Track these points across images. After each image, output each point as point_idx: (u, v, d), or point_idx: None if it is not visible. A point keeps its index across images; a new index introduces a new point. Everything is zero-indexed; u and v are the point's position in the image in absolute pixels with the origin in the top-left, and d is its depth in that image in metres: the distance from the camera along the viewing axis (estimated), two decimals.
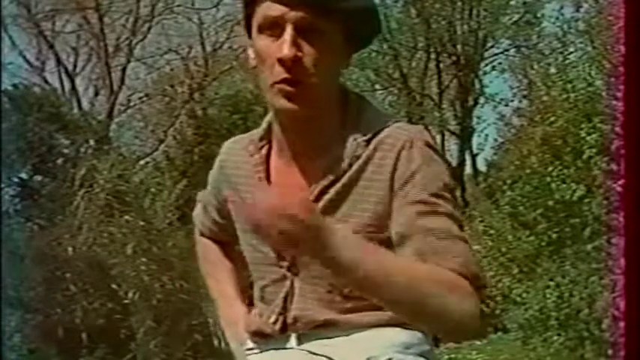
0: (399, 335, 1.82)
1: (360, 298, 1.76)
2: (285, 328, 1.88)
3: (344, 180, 1.80)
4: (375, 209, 1.78)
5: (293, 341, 1.88)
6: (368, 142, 1.80)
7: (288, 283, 1.87)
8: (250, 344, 1.98)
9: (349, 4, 1.75)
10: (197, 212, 2.16)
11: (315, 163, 1.82)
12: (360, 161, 1.79)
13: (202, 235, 2.17)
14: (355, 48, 1.84)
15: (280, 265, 1.87)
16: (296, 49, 1.72)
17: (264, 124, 1.91)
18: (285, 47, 1.71)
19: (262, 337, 1.93)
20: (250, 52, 1.82)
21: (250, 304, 2.05)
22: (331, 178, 1.80)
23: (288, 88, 1.73)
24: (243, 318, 2.03)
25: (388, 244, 1.75)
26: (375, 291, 1.65)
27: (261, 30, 1.76)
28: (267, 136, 1.90)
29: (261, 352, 1.95)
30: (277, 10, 1.73)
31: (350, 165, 1.79)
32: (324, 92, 1.78)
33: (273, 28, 1.74)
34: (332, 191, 1.81)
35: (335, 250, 1.60)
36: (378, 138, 1.79)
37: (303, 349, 1.86)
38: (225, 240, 2.12)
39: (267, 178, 1.88)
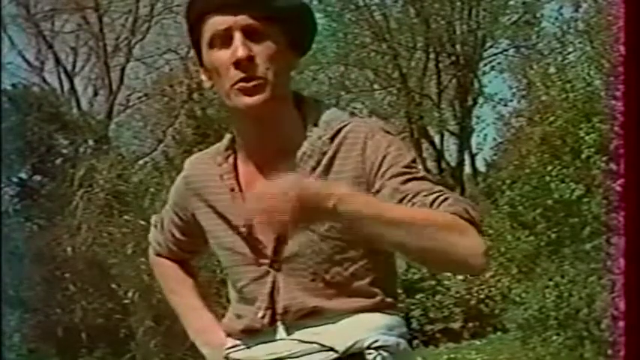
0: (383, 319, 1.94)
1: (342, 283, 1.93)
2: (273, 321, 1.95)
3: (314, 175, 1.91)
4: None
5: (282, 332, 1.96)
6: (331, 139, 1.94)
7: (270, 279, 1.95)
8: (231, 343, 2.03)
9: (287, 8, 1.93)
10: (152, 233, 2.24)
11: (283, 165, 1.91)
12: (327, 156, 1.93)
13: (159, 255, 2.24)
14: (298, 51, 1.99)
15: (260, 263, 1.96)
16: (248, 50, 1.88)
17: (226, 138, 2.04)
18: (239, 50, 1.88)
19: (249, 334, 2.00)
20: (203, 76, 1.98)
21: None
22: (303, 173, 1.91)
23: (246, 84, 1.89)
24: (216, 324, 2.10)
25: None
26: (386, 239, 1.80)
27: (212, 45, 1.92)
28: (231, 146, 2.02)
29: (248, 347, 2.01)
30: (224, 22, 1.90)
31: (318, 162, 1.92)
32: (279, 89, 1.92)
33: (223, 39, 1.90)
34: None
35: (357, 210, 1.75)
36: (341, 134, 1.94)
37: (293, 339, 1.94)
38: (183, 258, 2.22)
39: (238, 184, 1.99)
